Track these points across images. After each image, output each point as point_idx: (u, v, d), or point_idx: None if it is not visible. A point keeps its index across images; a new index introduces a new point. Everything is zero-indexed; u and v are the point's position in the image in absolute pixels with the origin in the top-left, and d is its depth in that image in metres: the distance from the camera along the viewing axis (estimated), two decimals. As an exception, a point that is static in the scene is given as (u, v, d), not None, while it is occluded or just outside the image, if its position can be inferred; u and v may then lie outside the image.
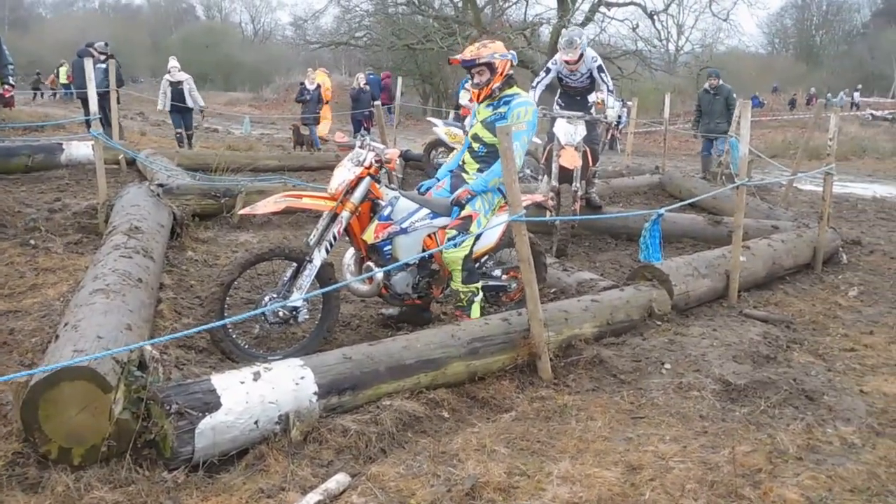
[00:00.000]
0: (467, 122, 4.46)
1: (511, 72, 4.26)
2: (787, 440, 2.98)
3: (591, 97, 7.27)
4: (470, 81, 4.35)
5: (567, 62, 6.87)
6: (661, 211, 4.88)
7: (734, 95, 11.39)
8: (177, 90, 12.55)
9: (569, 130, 6.63)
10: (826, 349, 4.28)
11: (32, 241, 5.63)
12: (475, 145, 4.42)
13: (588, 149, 6.85)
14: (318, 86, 14.91)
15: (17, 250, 5.43)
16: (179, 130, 13.02)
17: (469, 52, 4.23)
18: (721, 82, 11.54)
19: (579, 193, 6.71)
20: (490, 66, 4.17)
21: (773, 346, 4.22)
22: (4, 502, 2.39)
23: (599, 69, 6.97)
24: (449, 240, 4.14)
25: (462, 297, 4.20)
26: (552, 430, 3.13)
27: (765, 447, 2.93)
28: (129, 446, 2.62)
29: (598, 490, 2.55)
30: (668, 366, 3.87)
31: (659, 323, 4.55)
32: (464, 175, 4.42)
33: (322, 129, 14.86)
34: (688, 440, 2.99)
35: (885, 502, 2.59)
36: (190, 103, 12.71)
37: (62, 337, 2.96)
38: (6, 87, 6.73)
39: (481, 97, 4.29)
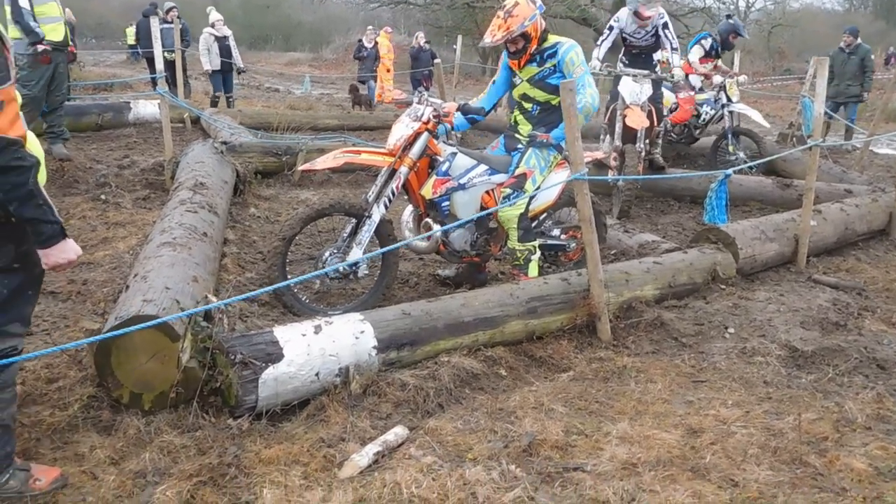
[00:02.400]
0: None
1: (543, 26, 4.07)
2: (855, 409, 2.88)
3: (656, 55, 7.05)
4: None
5: (640, 17, 6.63)
6: (729, 172, 4.72)
7: (872, 57, 10.56)
8: (223, 46, 11.50)
9: (634, 89, 6.44)
10: (900, 317, 4.10)
11: (103, 197, 5.84)
12: (526, 105, 4.26)
13: (652, 108, 6.65)
14: (376, 43, 14.84)
15: (89, 205, 5.64)
16: (218, 94, 11.91)
17: (498, 31, 4.02)
18: (859, 41, 10.64)
19: (642, 154, 6.54)
20: (524, 35, 4.02)
21: (843, 313, 4.06)
22: (81, 443, 2.52)
23: (664, 26, 6.72)
24: (504, 198, 4.09)
25: (518, 255, 4.16)
26: (610, 391, 3.10)
27: (832, 415, 2.84)
28: (196, 394, 2.72)
29: (657, 451, 2.52)
30: (731, 330, 3.78)
31: (723, 287, 4.43)
32: (517, 136, 4.31)
33: (379, 90, 14.84)
34: (751, 405, 2.92)
35: (960, 474, 2.48)
36: (238, 61, 11.84)
37: (132, 287, 3.07)
38: (70, 44, 6.92)
39: (522, 64, 4.13)
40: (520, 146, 4.23)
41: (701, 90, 8.32)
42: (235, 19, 40.48)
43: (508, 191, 4.10)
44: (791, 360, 3.43)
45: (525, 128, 4.27)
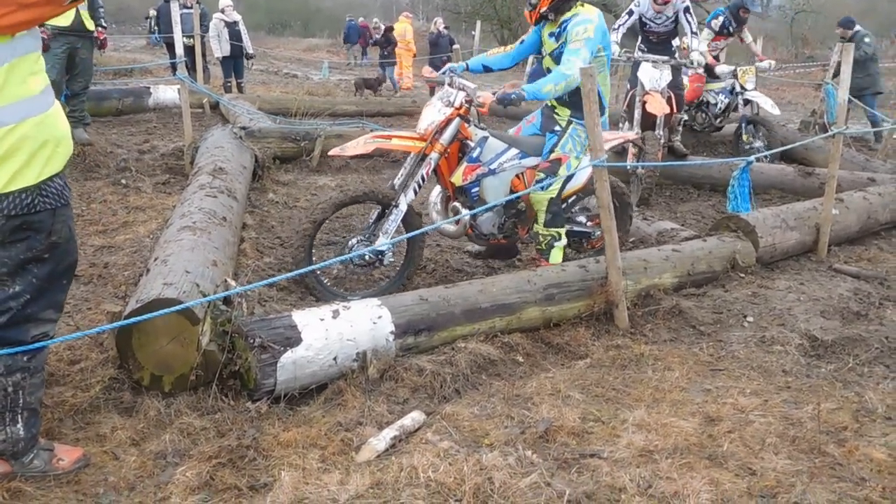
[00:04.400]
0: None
1: None
2: (875, 399, 2.86)
3: (675, 42, 6.94)
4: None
5: (658, 2, 6.55)
6: (751, 159, 4.65)
7: (867, 40, 10.05)
8: (234, 31, 11.53)
9: (654, 76, 6.38)
10: (923, 308, 4.04)
11: (124, 181, 5.89)
12: None
13: (672, 94, 6.58)
14: (386, 30, 14.98)
15: (109, 189, 5.70)
16: (230, 80, 11.96)
17: None
18: (857, 29, 10.13)
19: (662, 141, 6.48)
20: None
21: (864, 303, 4.02)
22: (103, 423, 2.56)
23: (686, 10, 6.62)
24: (537, 181, 4.04)
25: (542, 239, 4.13)
26: (628, 378, 3.10)
27: (851, 405, 2.82)
28: (216, 376, 2.74)
29: (674, 439, 2.52)
30: (750, 319, 3.75)
31: (742, 275, 4.39)
32: (555, 117, 4.22)
33: (397, 75, 14.93)
34: (769, 394, 2.90)
35: (983, 466, 2.45)
36: (248, 47, 11.87)
37: (152, 271, 3.10)
38: (99, 29, 6.89)
39: (535, 19, 4.04)
40: (557, 128, 4.14)
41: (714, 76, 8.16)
42: (256, 4, 40.66)
43: (542, 175, 4.05)
44: (811, 349, 3.40)
45: (563, 111, 4.15)
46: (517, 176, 4.10)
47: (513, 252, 4.45)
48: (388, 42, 15.23)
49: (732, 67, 7.93)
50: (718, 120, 8.27)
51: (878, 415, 2.75)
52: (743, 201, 4.71)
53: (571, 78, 3.71)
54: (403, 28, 16.00)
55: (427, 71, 4.38)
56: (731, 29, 8.26)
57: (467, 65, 4.21)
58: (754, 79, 7.85)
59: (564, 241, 4.20)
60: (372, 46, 15.69)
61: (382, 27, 15.32)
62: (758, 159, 7.16)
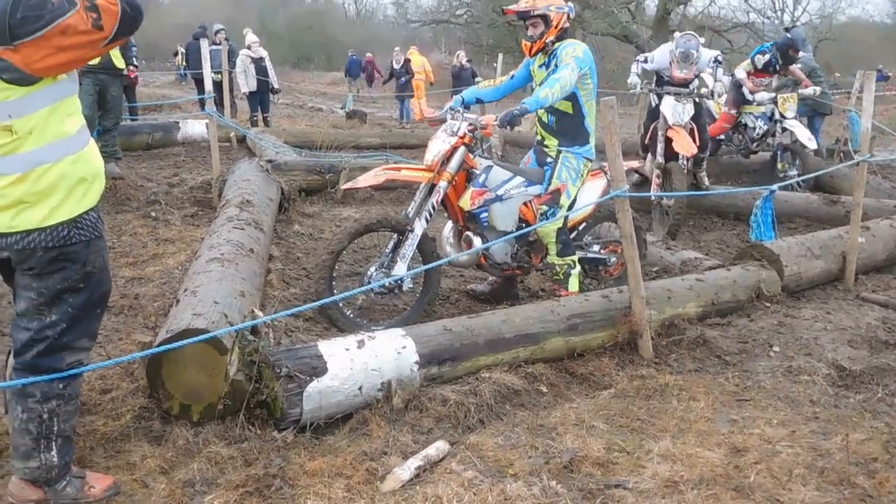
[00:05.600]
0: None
1: (566, 25, 4.08)
2: (906, 430, 2.81)
3: (708, 80, 6.79)
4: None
5: (677, 78, 6.32)
6: (774, 188, 4.66)
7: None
8: (260, 67, 11.82)
9: (677, 109, 6.26)
10: (954, 337, 3.97)
11: (153, 214, 6.02)
12: (543, 115, 4.27)
13: (695, 126, 6.47)
14: (405, 62, 15.29)
15: (140, 222, 5.83)
16: (256, 114, 12.13)
17: (524, 3, 4.07)
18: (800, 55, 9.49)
19: (685, 171, 6.41)
20: (545, 19, 4.02)
21: (892, 332, 3.96)
22: (133, 452, 2.60)
23: (716, 60, 6.52)
24: (541, 215, 4.12)
25: (558, 269, 4.18)
26: (652, 408, 3.08)
27: (881, 436, 2.77)
28: (243, 406, 2.78)
29: (700, 470, 2.50)
30: (776, 348, 3.72)
31: (767, 304, 4.35)
32: (545, 150, 4.32)
33: (415, 105, 15.27)
34: (797, 425, 2.87)
35: None
36: (273, 82, 12.13)
37: (182, 301, 3.17)
38: (130, 68, 7.11)
39: (533, 51, 4.14)
40: (549, 159, 4.25)
41: (754, 103, 8.06)
42: (281, 39, 41.58)
43: (545, 207, 4.12)
44: (839, 379, 3.36)
45: (551, 141, 4.28)
46: (525, 204, 4.18)
47: (514, 296, 4.49)
48: (406, 72, 15.60)
49: (773, 94, 7.80)
50: (755, 144, 8.12)
51: (910, 446, 2.71)
52: (766, 230, 4.70)
53: (564, 80, 3.83)
54: (421, 60, 16.37)
55: (428, 112, 4.48)
56: (776, 67, 7.97)
57: (463, 98, 4.30)
58: (794, 107, 7.71)
59: (579, 268, 4.24)
60: (389, 79, 16.07)
61: (402, 58, 15.63)
62: (791, 187, 7.14)
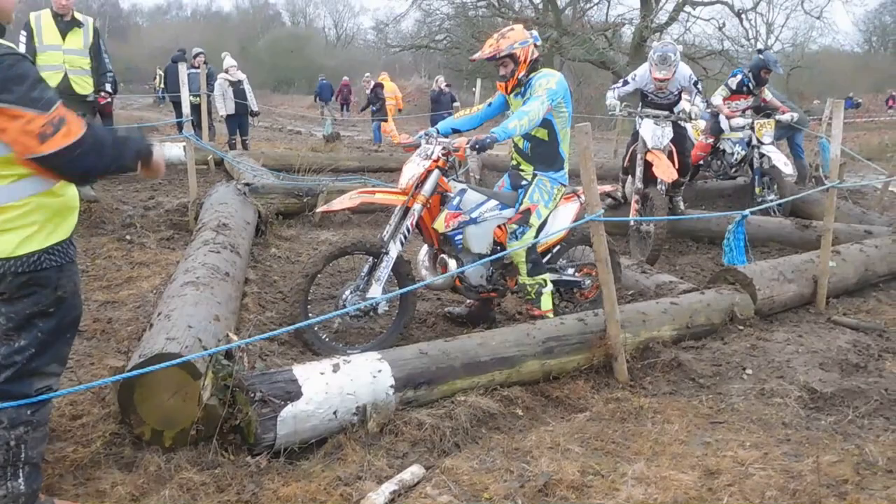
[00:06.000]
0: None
1: (536, 55, 4.17)
2: (876, 451, 2.84)
3: (683, 104, 6.69)
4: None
5: (657, 79, 6.51)
6: (746, 213, 4.73)
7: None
8: (238, 90, 11.89)
9: (656, 133, 6.31)
10: (922, 360, 4.05)
11: (128, 237, 5.97)
12: (519, 142, 4.35)
13: (674, 149, 6.49)
14: (376, 86, 15.47)
15: (114, 245, 5.77)
16: (234, 137, 12.17)
17: (488, 48, 4.15)
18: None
19: (663, 195, 6.44)
20: (512, 57, 4.10)
21: (863, 355, 4.03)
22: (103, 479, 2.56)
23: (696, 84, 6.59)
24: (511, 234, 4.17)
25: (529, 289, 4.21)
26: (627, 431, 3.09)
27: (852, 458, 2.81)
28: (216, 431, 2.75)
29: (674, 493, 2.51)
30: (749, 371, 3.76)
31: (741, 328, 4.41)
32: (520, 173, 4.39)
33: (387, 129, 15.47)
34: (769, 447, 2.90)
35: (982, 519, 2.44)
36: (252, 105, 12.20)
37: (156, 326, 3.14)
38: (102, 94, 6.95)
39: (509, 88, 4.23)
40: (524, 182, 4.31)
41: (732, 129, 8.15)
42: (261, 63, 41.68)
43: (515, 226, 4.17)
44: (810, 401, 3.40)
45: (527, 167, 4.35)
46: (499, 227, 4.23)
47: (490, 318, 4.52)
48: (377, 98, 15.78)
49: (749, 120, 7.94)
50: (734, 169, 8.25)
51: (879, 468, 2.74)
52: (738, 254, 4.77)
53: (532, 113, 3.92)
54: (392, 86, 16.58)
55: (403, 137, 4.52)
56: (750, 87, 8.14)
57: (437, 129, 4.36)
58: (771, 132, 7.86)
59: (551, 286, 4.27)
60: (366, 106, 16.28)
61: (372, 83, 15.82)
62: (770, 211, 7.24)
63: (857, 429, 3.14)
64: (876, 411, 3.30)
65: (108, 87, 6.96)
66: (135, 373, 2.53)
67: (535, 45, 4.18)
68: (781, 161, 7.65)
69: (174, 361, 2.52)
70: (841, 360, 3.90)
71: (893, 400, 3.40)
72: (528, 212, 4.19)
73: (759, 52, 9.07)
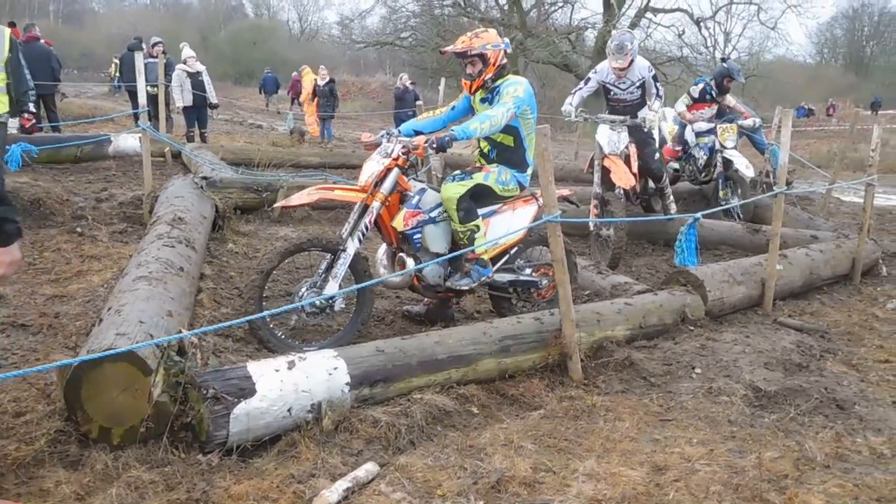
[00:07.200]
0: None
1: (504, 62, 4.21)
2: (815, 448, 2.96)
3: (641, 113, 6.74)
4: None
5: (615, 68, 6.58)
6: (698, 215, 4.85)
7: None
8: (197, 82, 11.68)
9: (612, 138, 6.38)
10: (860, 360, 4.21)
11: (79, 230, 5.84)
12: (484, 147, 4.40)
13: (631, 153, 6.51)
14: (332, 80, 15.25)
15: (64, 237, 5.64)
16: (193, 130, 11.96)
17: (461, 43, 4.19)
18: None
19: (623, 200, 6.50)
20: (482, 57, 4.14)
21: (806, 355, 4.17)
22: (47, 478, 2.50)
23: (655, 78, 6.67)
24: (451, 176, 4.22)
25: (462, 235, 4.16)
26: (580, 428, 3.15)
27: (792, 454, 2.91)
28: (167, 428, 2.71)
29: (623, 488, 2.57)
30: (698, 370, 3.86)
31: (692, 328, 4.52)
32: None
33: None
34: (715, 444, 2.98)
35: (912, 512, 2.56)
36: (211, 97, 11.93)
37: (105, 321, 3.08)
38: (25, 116, 6.42)
39: (473, 88, 4.26)
40: None
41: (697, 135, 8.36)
42: (223, 54, 40.97)
43: (458, 172, 4.22)
44: (755, 399, 3.51)
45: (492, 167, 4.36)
46: None
47: (449, 317, 4.54)
48: (331, 93, 15.53)
49: (712, 125, 8.11)
50: (703, 174, 8.39)
51: (818, 463, 2.85)
52: (690, 255, 4.89)
53: (495, 118, 3.97)
54: (313, 79, 16.25)
55: (365, 136, 4.51)
56: (712, 95, 8.29)
57: (399, 131, 4.37)
58: (735, 137, 8.03)
59: (484, 229, 4.23)
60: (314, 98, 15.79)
61: (328, 77, 15.53)
62: (733, 214, 7.38)
63: (797, 426, 3.25)
64: (816, 409, 3.42)
65: (31, 108, 6.36)
66: (72, 360, 2.48)
67: (506, 52, 4.23)
68: (743, 164, 7.85)
69: (111, 352, 2.47)
70: (785, 360, 4.03)
71: (832, 398, 3.53)
72: (478, 169, 4.24)
73: (723, 60, 9.28)
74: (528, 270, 4.63)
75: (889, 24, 49.12)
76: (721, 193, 8.00)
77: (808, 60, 50.08)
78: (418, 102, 12.10)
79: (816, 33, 50.43)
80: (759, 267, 5.19)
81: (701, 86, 8.35)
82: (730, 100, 8.55)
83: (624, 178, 6.22)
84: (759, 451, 2.87)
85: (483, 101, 4.29)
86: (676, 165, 8.59)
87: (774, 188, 5.15)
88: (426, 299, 4.64)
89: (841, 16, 50.54)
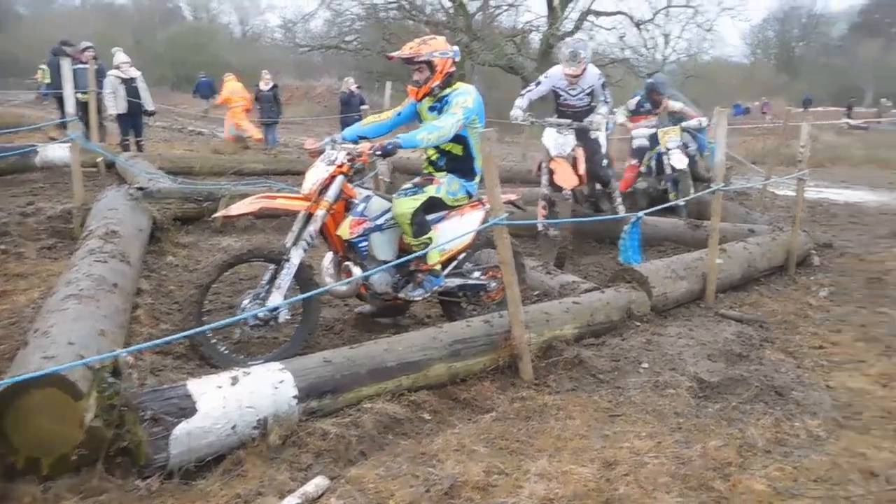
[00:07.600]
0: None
1: (452, 70, 4.20)
2: (756, 434, 3.05)
3: (588, 117, 6.78)
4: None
5: (568, 75, 6.60)
6: (640, 214, 4.93)
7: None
8: (131, 88, 11.17)
9: (558, 141, 6.43)
10: (796, 347, 4.37)
11: (3, 247, 5.53)
12: (432, 155, 4.38)
13: (577, 156, 6.54)
14: (275, 85, 15.05)
15: (-14, 255, 5.35)
16: (128, 139, 11.47)
17: (408, 49, 4.15)
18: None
19: (569, 200, 6.55)
20: (429, 65, 4.12)
21: (746, 345, 4.29)
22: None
23: (603, 86, 6.76)
24: (402, 191, 4.18)
25: (415, 249, 4.14)
26: (531, 429, 3.15)
27: (735, 441, 2.99)
28: (102, 454, 2.57)
29: (574, 486, 2.58)
30: (645, 365, 3.91)
31: (638, 324, 4.59)
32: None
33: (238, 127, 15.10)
34: (662, 436, 3.03)
35: (847, 490, 2.66)
36: (147, 104, 11.42)
37: (32, 343, 2.92)
38: None
39: (420, 95, 4.23)
40: None
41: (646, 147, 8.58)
42: (160, 59, 39.80)
43: (409, 185, 4.20)
44: (699, 391, 3.59)
45: (441, 176, 4.36)
46: (404, 234, 4.19)
47: (401, 310, 4.50)
48: (275, 99, 15.32)
49: (652, 131, 8.30)
50: (661, 182, 8.47)
51: (759, 449, 2.94)
52: (634, 253, 4.96)
53: (444, 130, 3.96)
54: (237, 86, 15.98)
55: (309, 143, 4.42)
56: (648, 107, 8.59)
57: (343, 136, 4.31)
58: (677, 139, 8.19)
59: (435, 242, 4.21)
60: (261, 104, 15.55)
61: (271, 83, 15.30)
62: (675, 209, 7.58)
63: (740, 414, 3.34)
64: (756, 397, 3.52)
65: None
66: (5, 390, 2.34)
67: (454, 61, 4.20)
68: (676, 159, 8.04)
69: (40, 373, 2.34)
70: (726, 350, 4.13)
71: (771, 385, 3.65)
72: (429, 181, 4.21)
73: (649, 75, 9.52)
74: (476, 274, 4.62)
75: (815, 26, 51.40)
76: (671, 196, 8.13)
77: (743, 61, 51.90)
78: (364, 107, 11.97)
79: (750, 35, 52.39)
80: (701, 262, 5.31)
81: (636, 99, 8.64)
82: (674, 105, 8.76)
83: (567, 180, 6.28)
84: (704, 441, 2.94)
85: (431, 109, 4.25)
86: (645, 184, 8.66)
87: (712, 185, 5.27)
88: None
89: (772, 18, 52.60)
